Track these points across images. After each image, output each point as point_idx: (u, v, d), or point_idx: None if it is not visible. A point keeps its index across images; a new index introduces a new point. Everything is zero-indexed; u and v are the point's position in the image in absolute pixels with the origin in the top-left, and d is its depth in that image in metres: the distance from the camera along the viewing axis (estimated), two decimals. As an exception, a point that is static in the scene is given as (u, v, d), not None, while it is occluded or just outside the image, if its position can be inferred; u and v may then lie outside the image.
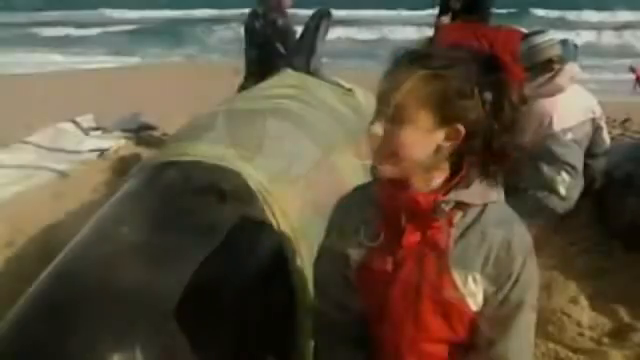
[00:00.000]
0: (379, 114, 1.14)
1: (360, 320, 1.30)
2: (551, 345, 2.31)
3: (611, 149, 3.40)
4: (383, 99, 1.14)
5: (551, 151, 2.95)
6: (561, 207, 3.00)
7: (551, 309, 2.53)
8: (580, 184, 3.03)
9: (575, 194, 3.02)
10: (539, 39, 3.15)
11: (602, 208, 3.20)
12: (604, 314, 2.54)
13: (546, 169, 2.96)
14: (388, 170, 1.16)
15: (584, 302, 2.61)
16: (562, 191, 2.97)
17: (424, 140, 1.13)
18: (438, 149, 1.14)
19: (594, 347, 2.34)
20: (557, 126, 2.95)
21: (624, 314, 2.52)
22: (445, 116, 1.12)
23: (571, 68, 3.10)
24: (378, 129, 1.13)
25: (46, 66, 12.89)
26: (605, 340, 2.39)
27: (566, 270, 2.87)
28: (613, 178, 3.22)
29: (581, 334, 2.42)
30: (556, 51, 3.14)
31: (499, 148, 1.15)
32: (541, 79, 3.05)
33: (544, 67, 3.08)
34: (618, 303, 2.58)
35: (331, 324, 1.33)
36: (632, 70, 12.90)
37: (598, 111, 3.16)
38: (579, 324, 2.46)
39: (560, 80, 3.04)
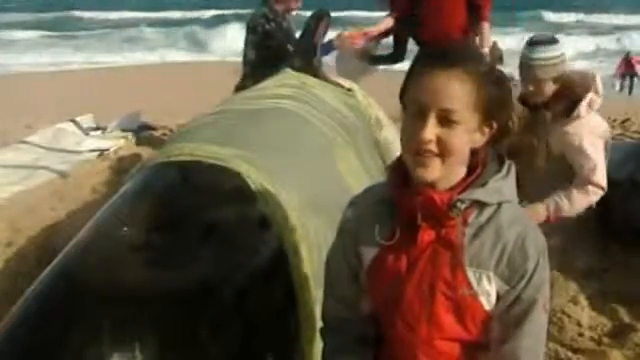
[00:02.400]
0: (425, 117, 1.11)
1: (370, 319, 1.31)
2: (551, 345, 2.31)
3: (611, 149, 3.40)
4: (429, 101, 1.11)
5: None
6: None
7: (551, 309, 2.53)
8: None
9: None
10: (550, 53, 2.53)
11: (602, 208, 3.20)
12: (604, 314, 2.54)
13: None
14: (436, 171, 1.14)
15: (584, 302, 2.62)
16: None
17: (468, 140, 1.15)
18: (472, 147, 1.16)
19: (594, 347, 2.34)
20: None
21: (624, 314, 2.52)
22: (488, 115, 1.14)
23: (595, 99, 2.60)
24: (429, 134, 1.11)
25: (47, 66, 12.88)
26: (605, 340, 2.39)
27: (566, 270, 2.87)
28: (613, 178, 3.21)
29: (581, 334, 2.42)
30: (565, 67, 2.57)
31: (509, 130, 1.19)
32: (588, 99, 2.55)
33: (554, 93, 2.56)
34: (618, 303, 2.59)
35: (342, 324, 1.33)
36: (625, 60, 12.89)
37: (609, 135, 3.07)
38: (579, 324, 2.47)
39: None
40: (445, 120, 1.11)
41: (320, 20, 3.52)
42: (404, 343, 1.24)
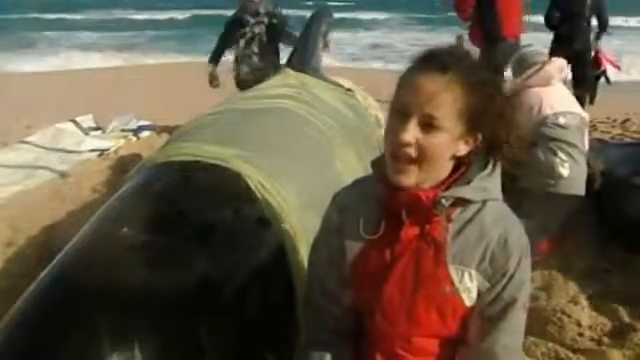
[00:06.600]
0: (407, 119, 1.11)
1: (351, 311, 1.31)
2: (551, 345, 2.31)
3: (611, 149, 3.40)
4: (413, 104, 1.11)
5: (544, 134, 2.91)
6: (565, 188, 2.89)
7: (551, 309, 2.53)
8: (583, 165, 2.97)
9: (581, 176, 2.95)
10: (527, 50, 3.32)
11: (602, 208, 3.20)
12: (604, 314, 2.54)
13: (541, 154, 2.90)
14: (412, 177, 1.14)
15: (584, 302, 2.61)
16: (563, 172, 2.88)
17: (450, 147, 1.14)
18: (454, 155, 1.16)
19: (594, 347, 2.34)
20: (547, 110, 2.93)
21: (624, 314, 2.52)
22: (472, 126, 1.13)
23: (559, 60, 3.16)
24: (409, 137, 1.10)
25: (47, 66, 12.86)
26: (605, 340, 2.38)
27: (566, 270, 2.87)
28: (613, 178, 3.22)
29: (581, 334, 2.42)
30: (544, 57, 3.24)
31: (501, 144, 1.18)
32: (530, 71, 3.07)
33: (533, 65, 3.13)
34: (618, 303, 2.58)
35: (322, 315, 1.34)
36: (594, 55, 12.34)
37: (586, 115, 3.15)
38: (579, 324, 2.46)
39: (549, 68, 3.06)
40: (427, 125, 1.10)
41: (321, 20, 3.52)
42: (383, 337, 1.26)
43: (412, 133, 1.10)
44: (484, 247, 1.17)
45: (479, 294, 1.19)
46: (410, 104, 1.11)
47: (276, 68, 5.01)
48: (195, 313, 1.36)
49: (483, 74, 1.16)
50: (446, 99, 1.09)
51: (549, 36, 5.86)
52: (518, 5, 4.88)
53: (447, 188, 1.17)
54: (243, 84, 4.85)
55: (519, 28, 4.89)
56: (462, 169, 1.19)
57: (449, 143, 1.12)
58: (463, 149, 1.16)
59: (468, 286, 1.18)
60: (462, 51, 1.21)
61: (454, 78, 1.10)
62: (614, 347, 2.31)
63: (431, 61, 1.13)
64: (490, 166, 1.20)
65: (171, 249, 1.45)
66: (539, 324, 2.42)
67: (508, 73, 3.38)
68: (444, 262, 1.17)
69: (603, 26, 5.73)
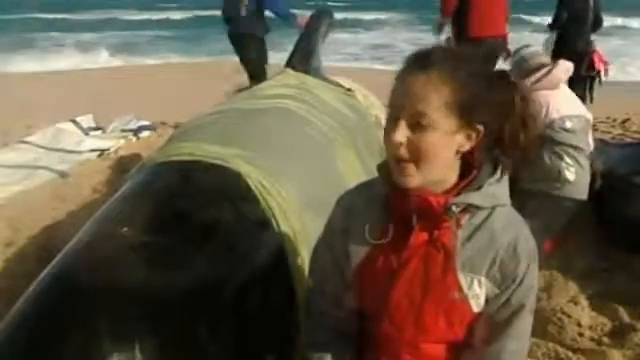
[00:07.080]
0: (398, 120, 1.11)
1: (353, 314, 1.31)
2: (551, 345, 2.31)
3: (612, 149, 3.40)
4: (402, 105, 1.11)
5: (550, 138, 2.92)
6: (571, 192, 2.92)
7: (551, 309, 2.53)
8: (587, 168, 2.98)
9: (585, 179, 2.96)
10: (526, 51, 3.30)
11: (602, 208, 3.20)
12: (604, 314, 2.54)
13: (547, 157, 2.91)
14: (414, 179, 1.13)
15: (584, 302, 2.61)
16: (569, 176, 2.90)
17: (448, 144, 1.12)
18: (458, 151, 1.15)
19: (594, 347, 2.34)
20: (554, 114, 2.95)
21: (624, 314, 2.52)
22: (468, 118, 1.12)
23: (565, 63, 3.16)
24: (399, 137, 1.10)
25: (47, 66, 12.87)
26: (605, 340, 2.39)
27: (566, 270, 2.87)
28: (613, 178, 3.22)
29: (581, 334, 2.42)
30: (545, 58, 3.25)
31: (513, 142, 1.16)
32: (538, 74, 3.07)
33: (537, 69, 3.12)
34: (618, 303, 2.58)
35: (324, 318, 1.34)
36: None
37: (590, 117, 3.17)
38: (579, 324, 2.46)
39: (557, 72, 3.07)
40: (417, 124, 1.09)
41: (321, 20, 3.52)
42: (390, 342, 1.25)
43: (402, 133, 1.10)
44: (494, 254, 1.16)
45: (487, 300, 1.19)
46: (398, 104, 1.12)
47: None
48: (195, 313, 1.36)
49: (474, 67, 1.15)
50: (432, 96, 1.09)
51: (543, 36, 5.89)
52: (501, 5, 4.84)
53: (458, 194, 1.16)
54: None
55: (502, 28, 4.86)
56: (473, 174, 1.18)
57: (444, 140, 1.11)
58: (466, 144, 1.14)
59: (477, 293, 1.17)
60: (450, 48, 1.21)
61: (439, 74, 1.09)
62: (614, 347, 2.31)
63: (417, 61, 1.13)
64: (499, 171, 1.19)
65: (171, 249, 1.45)
66: (539, 324, 2.42)
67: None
68: (453, 269, 1.17)
69: (597, 26, 5.75)
